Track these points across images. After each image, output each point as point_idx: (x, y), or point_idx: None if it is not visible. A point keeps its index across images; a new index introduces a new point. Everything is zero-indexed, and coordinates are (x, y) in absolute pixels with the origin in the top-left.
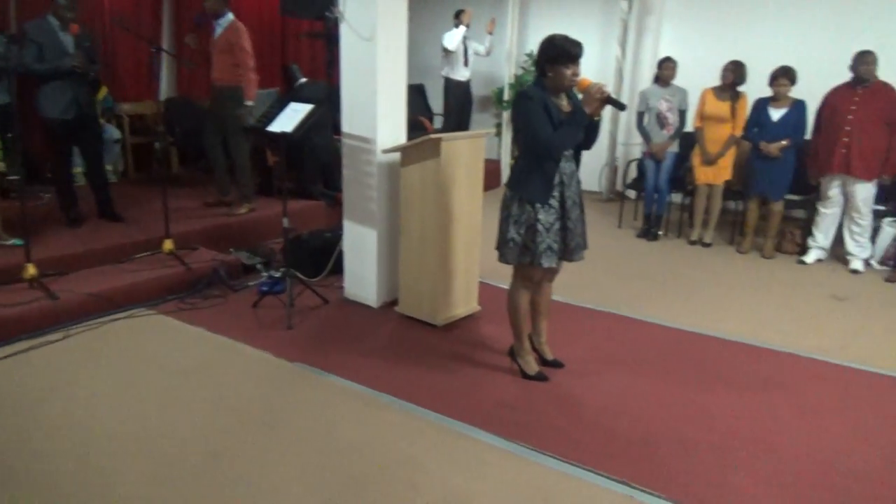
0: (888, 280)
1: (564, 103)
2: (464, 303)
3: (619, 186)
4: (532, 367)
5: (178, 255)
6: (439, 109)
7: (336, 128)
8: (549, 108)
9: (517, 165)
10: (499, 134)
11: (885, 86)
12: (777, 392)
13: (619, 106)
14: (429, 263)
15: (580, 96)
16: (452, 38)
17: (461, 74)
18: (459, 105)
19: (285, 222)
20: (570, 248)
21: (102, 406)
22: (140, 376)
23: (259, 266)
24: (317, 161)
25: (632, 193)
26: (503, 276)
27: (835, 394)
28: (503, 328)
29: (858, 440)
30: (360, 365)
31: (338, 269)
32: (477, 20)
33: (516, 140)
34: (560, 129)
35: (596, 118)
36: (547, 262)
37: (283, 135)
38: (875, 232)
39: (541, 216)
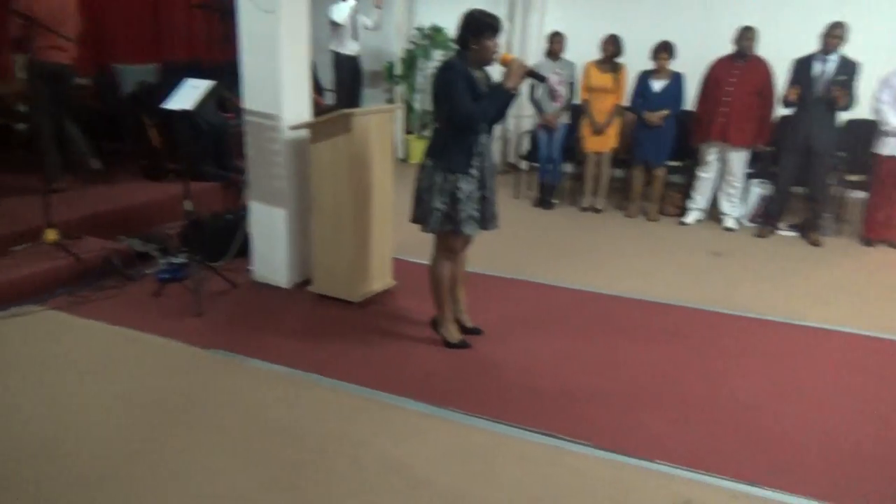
0: (757, 235)
1: (483, 77)
2: (379, 278)
3: (511, 158)
4: (455, 335)
5: (64, 244)
6: (328, 84)
7: (222, 105)
8: (474, 80)
9: (436, 137)
10: None
11: (761, 60)
12: (673, 340)
13: (540, 78)
14: (344, 240)
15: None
16: (340, 12)
17: (350, 49)
18: (350, 80)
19: (187, 205)
20: (486, 217)
21: (2, 412)
22: (40, 378)
23: (155, 253)
24: (207, 140)
25: (524, 164)
26: (414, 250)
27: (723, 339)
28: (420, 300)
29: (749, 377)
30: (281, 346)
31: (241, 252)
32: None
33: (435, 111)
34: (482, 101)
35: (514, 92)
36: (469, 230)
37: (182, 112)
38: (744, 193)
39: (461, 185)
